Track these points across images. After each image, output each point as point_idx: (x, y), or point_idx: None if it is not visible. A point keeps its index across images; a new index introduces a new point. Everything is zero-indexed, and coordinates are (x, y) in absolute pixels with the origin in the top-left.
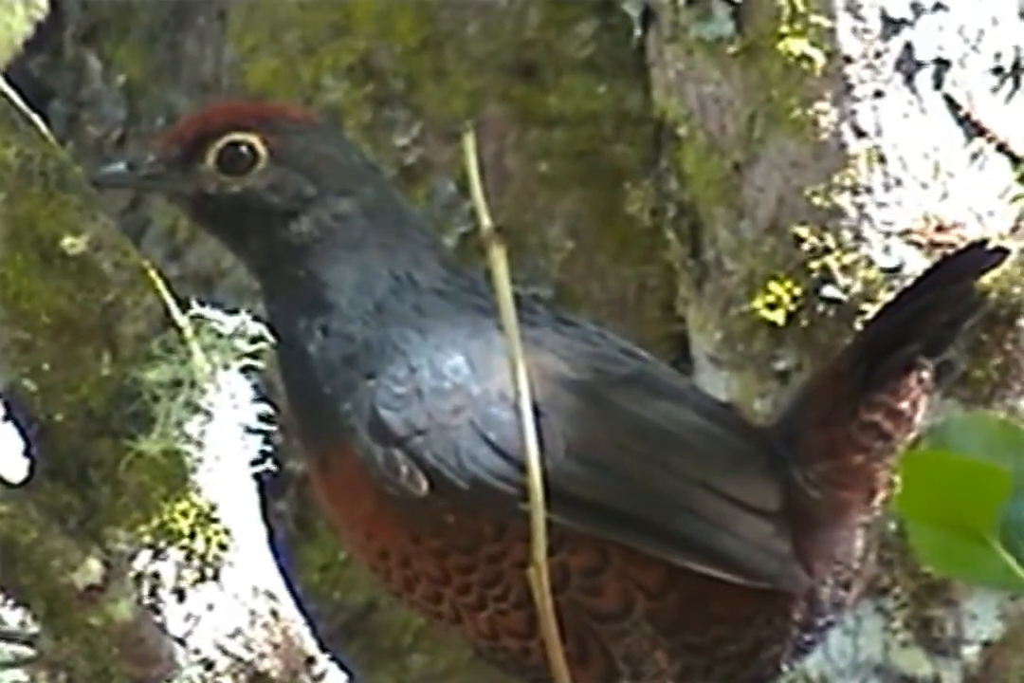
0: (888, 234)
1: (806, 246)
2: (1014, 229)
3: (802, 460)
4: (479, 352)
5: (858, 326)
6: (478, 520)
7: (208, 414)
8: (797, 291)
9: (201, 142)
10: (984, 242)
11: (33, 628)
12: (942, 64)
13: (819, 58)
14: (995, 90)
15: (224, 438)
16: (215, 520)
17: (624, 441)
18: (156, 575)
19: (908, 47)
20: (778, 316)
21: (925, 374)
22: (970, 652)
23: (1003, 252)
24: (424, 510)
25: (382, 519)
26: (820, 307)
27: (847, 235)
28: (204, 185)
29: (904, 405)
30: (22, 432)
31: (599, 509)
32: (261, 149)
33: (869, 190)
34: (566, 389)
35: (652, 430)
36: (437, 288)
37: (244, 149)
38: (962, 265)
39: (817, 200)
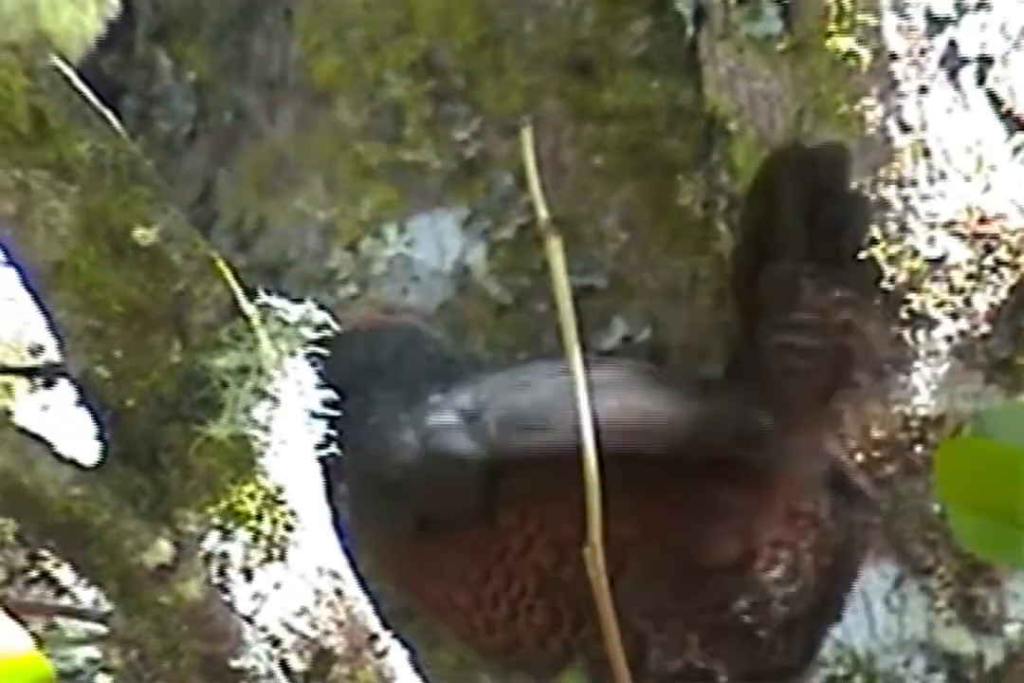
0: (932, 225)
1: None
2: None
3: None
4: None
5: (904, 314)
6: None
7: (275, 400)
8: None
9: None
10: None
11: (106, 607)
12: (985, 61)
13: (865, 55)
14: None
15: (290, 423)
16: (281, 502)
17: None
18: (224, 555)
19: (952, 45)
20: None
21: (830, 283)
22: (1012, 630)
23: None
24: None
25: None
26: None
27: (893, 226)
28: None
29: (812, 317)
30: (95, 417)
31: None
32: None
33: (914, 183)
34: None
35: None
36: None
37: None
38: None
39: (864, 193)
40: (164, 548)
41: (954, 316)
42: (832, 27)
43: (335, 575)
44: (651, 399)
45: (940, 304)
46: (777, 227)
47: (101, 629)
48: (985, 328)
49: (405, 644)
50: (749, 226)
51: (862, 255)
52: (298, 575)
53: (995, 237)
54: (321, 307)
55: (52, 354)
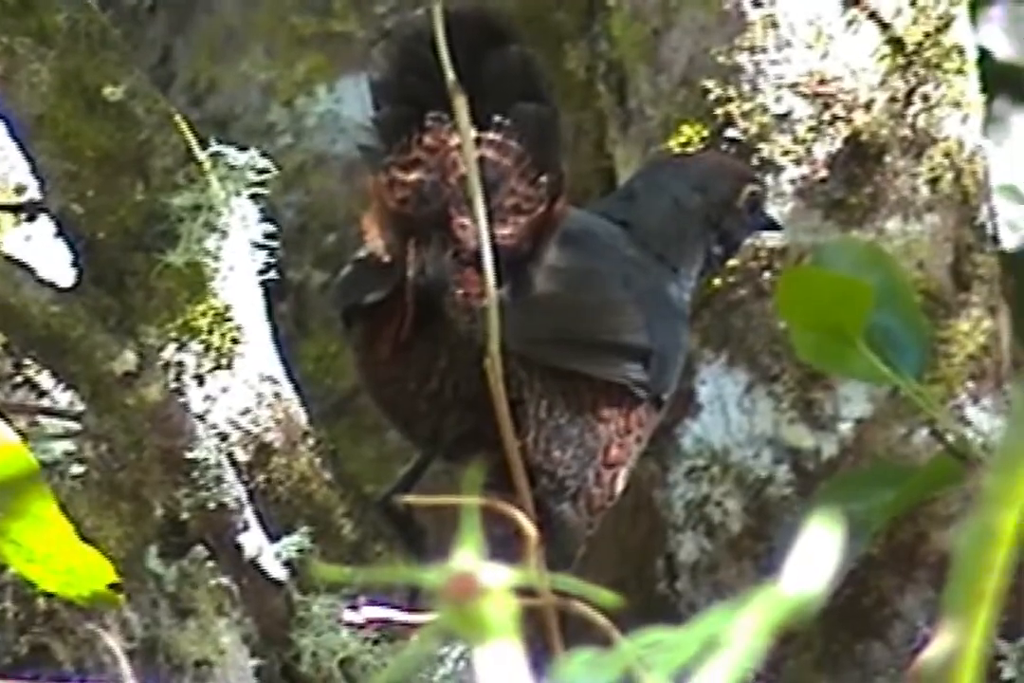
0: (779, 86)
1: (712, 96)
2: (882, 82)
3: None
4: None
5: (755, 161)
6: None
7: (223, 233)
8: (705, 133)
9: None
10: None
11: (80, 407)
12: None
13: None
14: None
15: (236, 252)
16: (229, 319)
17: None
18: (180, 364)
19: None
20: (689, 153)
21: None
22: (845, 427)
23: None
24: None
25: None
26: (723, 146)
27: (746, 87)
28: None
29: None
30: (71, 247)
31: None
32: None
33: (764, 50)
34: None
35: None
36: None
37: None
38: None
39: (721, 59)
40: (129, 358)
41: (797, 163)
42: None
43: (274, 381)
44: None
45: (785, 153)
46: None
47: (76, 426)
48: (823, 173)
49: (332, 440)
50: None
51: None
52: (243, 380)
53: (832, 96)
54: (263, 154)
55: (34, 193)
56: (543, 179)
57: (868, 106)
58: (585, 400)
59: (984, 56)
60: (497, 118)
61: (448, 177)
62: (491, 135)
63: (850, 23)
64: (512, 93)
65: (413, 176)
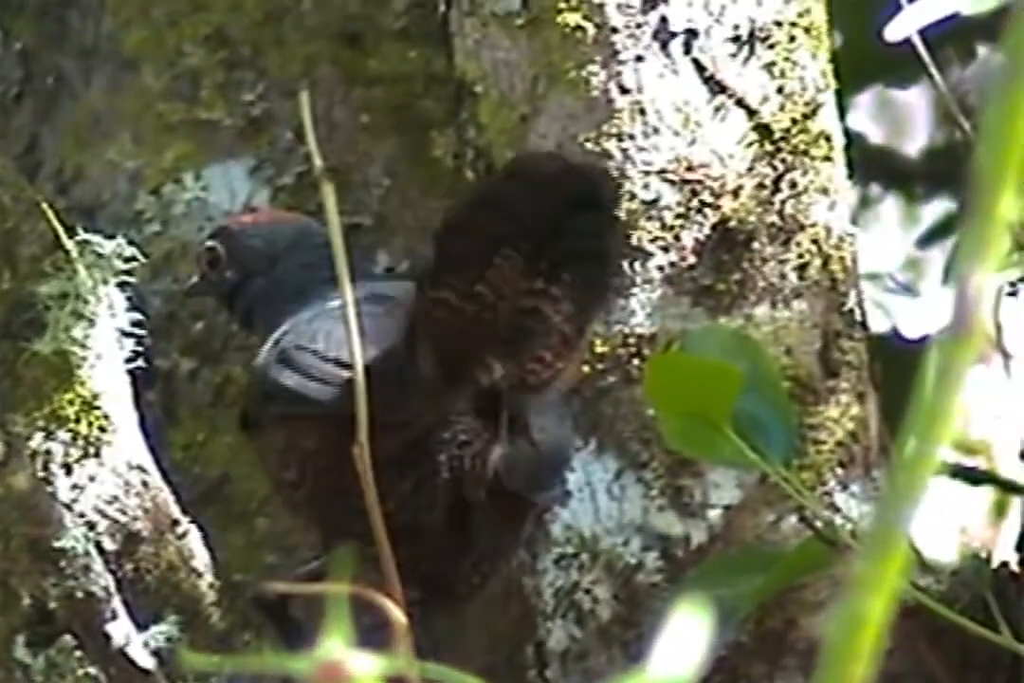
0: (647, 173)
1: None
2: (749, 169)
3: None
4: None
5: (624, 249)
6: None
7: (91, 321)
8: None
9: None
10: None
11: None
12: (691, 34)
13: (591, 29)
14: (734, 55)
15: (103, 340)
16: (97, 408)
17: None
18: (48, 452)
19: (663, 20)
20: None
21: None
22: (714, 514)
23: None
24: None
25: None
26: None
27: (614, 174)
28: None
29: (480, 287)
30: None
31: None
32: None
33: (631, 137)
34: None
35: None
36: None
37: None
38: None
39: (589, 145)
40: None
41: (665, 249)
42: (562, 5)
43: (142, 469)
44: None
45: (653, 239)
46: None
47: None
48: (692, 260)
49: (201, 528)
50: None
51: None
52: (110, 469)
53: (700, 183)
54: (130, 242)
55: None
56: (577, 342)
57: (736, 193)
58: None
59: (856, 140)
60: (565, 276)
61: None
62: (553, 289)
63: (717, 110)
64: (586, 255)
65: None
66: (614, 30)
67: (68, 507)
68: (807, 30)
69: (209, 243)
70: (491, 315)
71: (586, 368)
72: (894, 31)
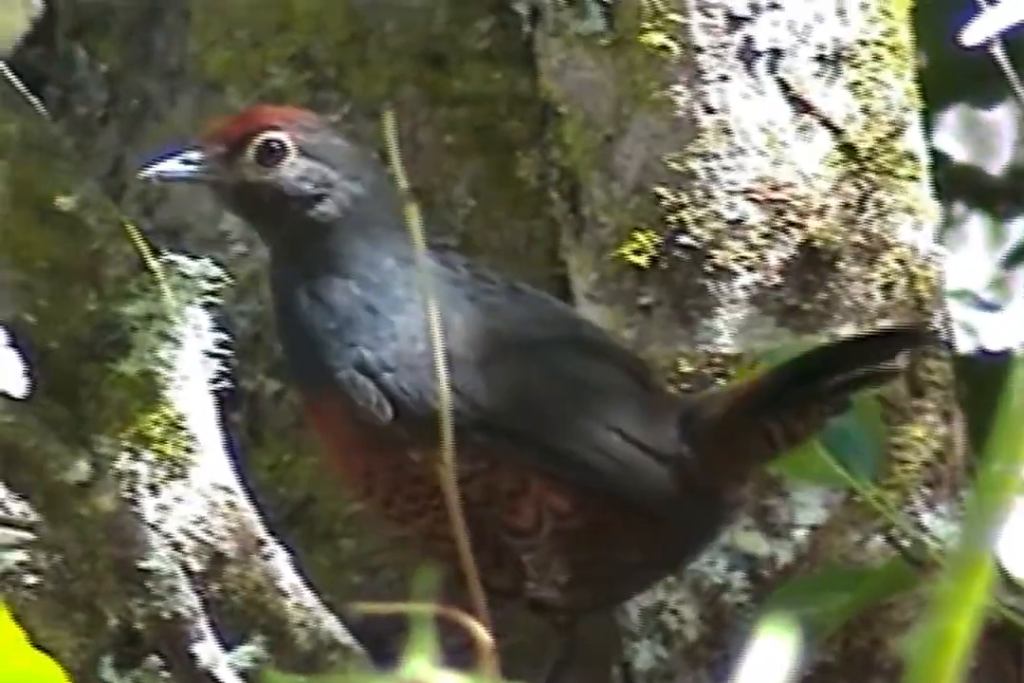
0: (732, 192)
1: (665, 203)
2: (834, 188)
3: (695, 439)
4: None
5: (708, 268)
6: (431, 442)
7: (176, 342)
8: (658, 240)
9: (242, 140)
10: (916, 326)
11: (33, 517)
12: (776, 53)
13: (675, 49)
14: (819, 75)
15: (189, 361)
16: (182, 428)
17: (554, 388)
18: (134, 473)
19: (748, 40)
20: (642, 260)
21: (826, 408)
22: (800, 534)
23: (930, 337)
24: (388, 433)
25: (355, 441)
26: (677, 253)
27: (699, 194)
28: (245, 176)
29: (799, 426)
30: (23, 357)
31: (526, 440)
32: (289, 144)
33: (716, 156)
34: (512, 346)
35: (579, 381)
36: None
37: (276, 145)
38: (895, 339)
39: (674, 165)
40: (83, 468)
41: (751, 269)
42: (647, 25)
43: (227, 490)
44: None
45: (739, 259)
46: None
47: (29, 536)
48: (777, 279)
49: (287, 549)
50: None
51: None
52: (196, 490)
53: (785, 202)
54: (216, 263)
55: None
56: None
57: (821, 212)
58: None
59: (941, 159)
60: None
61: None
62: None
63: (802, 129)
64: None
65: None
66: (699, 50)
67: (154, 528)
68: (892, 49)
69: (270, 134)
70: (784, 448)
71: (672, 388)
72: (971, 35)
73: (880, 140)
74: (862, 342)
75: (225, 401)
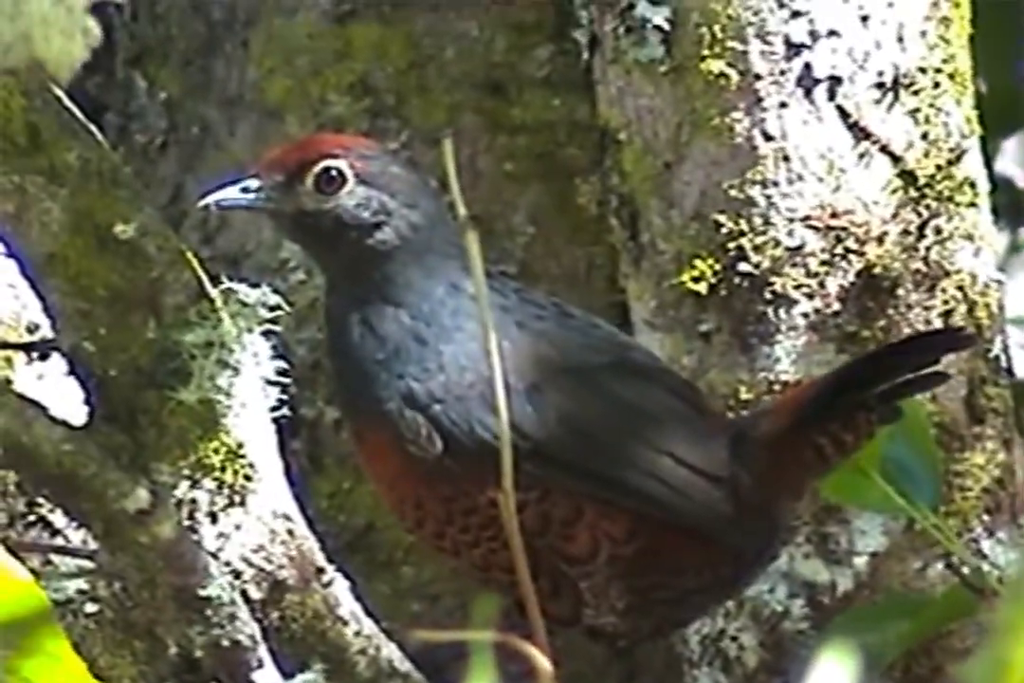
0: (792, 220)
1: (724, 230)
2: (894, 215)
3: (747, 458)
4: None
5: (768, 295)
6: (482, 474)
7: (236, 370)
8: (717, 267)
9: (300, 168)
10: (961, 328)
11: (93, 545)
12: (835, 80)
13: (734, 76)
14: (878, 102)
15: (248, 389)
16: (242, 456)
17: (605, 415)
18: (194, 501)
19: (807, 67)
20: (702, 287)
21: (874, 416)
22: (860, 562)
23: (971, 339)
24: (439, 465)
25: (404, 473)
26: (736, 280)
27: (758, 221)
28: (303, 204)
29: (849, 437)
30: (83, 385)
31: (578, 468)
32: (348, 172)
33: (775, 184)
34: (561, 372)
35: (630, 407)
36: (473, 292)
37: (335, 173)
38: (937, 342)
39: (733, 192)
40: (142, 495)
41: (810, 296)
42: (706, 52)
43: (287, 518)
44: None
45: (798, 286)
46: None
47: (89, 564)
48: (836, 306)
49: (347, 576)
50: None
51: None
52: (256, 518)
53: (844, 229)
54: (275, 291)
55: (46, 331)
56: None
57: (880, 239)
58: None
59: (1004, 186)
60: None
61: None
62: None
63: (861, 156)
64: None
65: None
66: (758, 77)
67: (214, 555)
68: (951, 76)
69: (328, 162)
70: (836, 460)
71: (731, 414)
72: None
73: (939, 167)
74: (904, 347)
75: (284, 429)
